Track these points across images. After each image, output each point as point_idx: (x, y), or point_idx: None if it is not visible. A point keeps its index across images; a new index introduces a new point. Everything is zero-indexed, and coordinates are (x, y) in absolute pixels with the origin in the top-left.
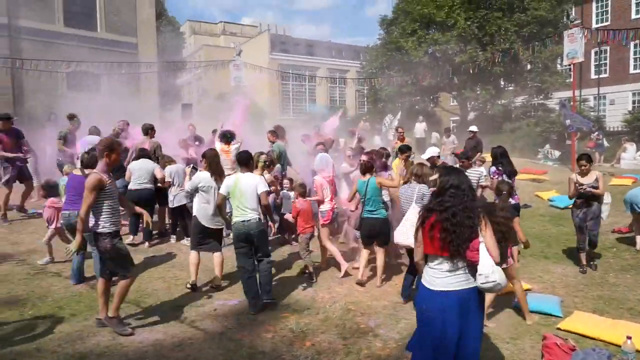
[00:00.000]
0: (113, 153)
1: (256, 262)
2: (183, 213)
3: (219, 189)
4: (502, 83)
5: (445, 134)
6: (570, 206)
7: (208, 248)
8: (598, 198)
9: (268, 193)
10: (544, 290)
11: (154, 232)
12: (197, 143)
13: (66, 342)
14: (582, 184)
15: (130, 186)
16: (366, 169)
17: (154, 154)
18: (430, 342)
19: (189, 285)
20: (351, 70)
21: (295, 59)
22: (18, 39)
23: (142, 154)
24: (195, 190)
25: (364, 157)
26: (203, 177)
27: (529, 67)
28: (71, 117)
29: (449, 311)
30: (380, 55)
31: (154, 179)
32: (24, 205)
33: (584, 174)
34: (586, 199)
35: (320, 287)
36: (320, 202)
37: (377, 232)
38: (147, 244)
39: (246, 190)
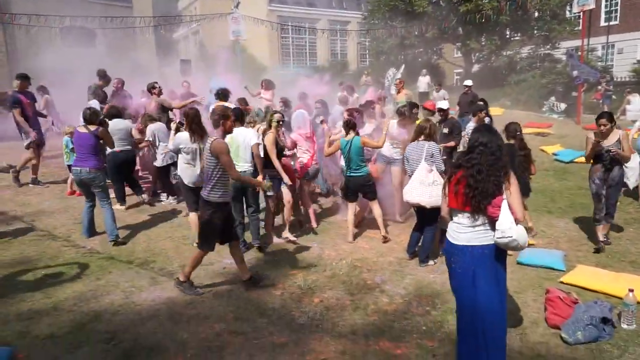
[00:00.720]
0: (228, 120)
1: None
2: (168, 173)
3: (202, 150)
4: (508, 33)
5: (436, 88)
6: (588, 166)
7: (198, 207)
8: (621, 161)
9: (258, 145)
10: (548, 245)
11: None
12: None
13: (81, 301)
14: (602, 147)
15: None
16: (349, 127)
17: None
18: (459, 295)
19: (195, 244)
20: (352, 22)
21: (294, 11)
22: None
23: (114, 112)
24: (178, 151)
25: (345, 114)
26: (183, 138)
27: (536, 14)
28: (102, 74)
29: (469, 265)
30: (383, 5)
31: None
32: (37, 176)
33: (604, 135)
34: (606, 163)
35: (327, 244)
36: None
37: (363, 189)
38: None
39: (240, 144)
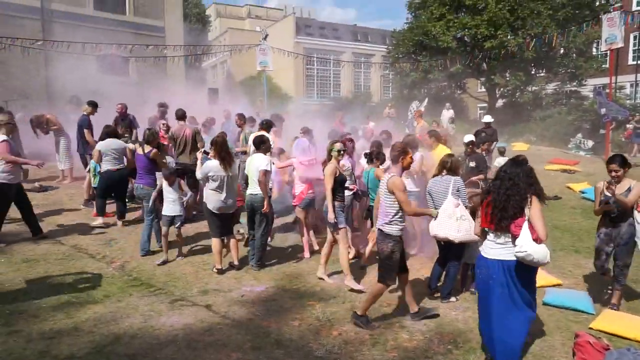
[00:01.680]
0: (407, 156)
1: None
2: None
3: (229, 176)
4: (533, 69)
5: (446, 105)
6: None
7: (222, 233)
8: (626, 214)
9: (265, 172)
10: (575, 286)
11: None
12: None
13: (101, 323)
14: (607, 195)
15: (107, 167)
16: (370, 159)
17: (193, 140)
18: (482, 302)
19: (215, 270)
20: (377, 55)
21: (320, 43)
22: (50, 22)
23: (108, 131)
24: (206, 178)
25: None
26: (212, 165)
27: (562, 51)
28: (92, 104)
29: (494, 277)
30: (407, 39)
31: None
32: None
33: (616, 181)
34: (610, 216)
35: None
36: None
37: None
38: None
39: (253, 169)
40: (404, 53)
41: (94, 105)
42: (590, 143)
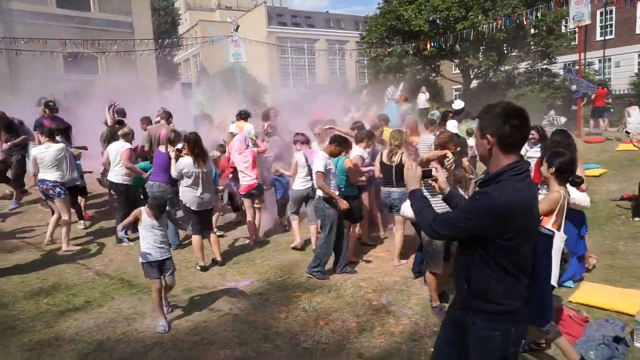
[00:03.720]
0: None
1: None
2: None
3: (203, 172)
4: (505, 49)
5: (422, 89)
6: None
7: (202, 230)
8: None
9: (318, 173)
10: None
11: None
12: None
13: (83, 330)
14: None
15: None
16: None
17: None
18: None
19: (198, 267)
20: (351, 41)
21: (293, 32)
22: (10, 22)
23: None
24: (181, 176)
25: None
26: (185, 162)
27: (532, 31)
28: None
29: None
30: (380, 24)
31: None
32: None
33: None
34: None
35: (331, 264)
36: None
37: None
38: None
39: (313, 167)
40: (377, 38)
41: (46, 105)
42: (563, 119)
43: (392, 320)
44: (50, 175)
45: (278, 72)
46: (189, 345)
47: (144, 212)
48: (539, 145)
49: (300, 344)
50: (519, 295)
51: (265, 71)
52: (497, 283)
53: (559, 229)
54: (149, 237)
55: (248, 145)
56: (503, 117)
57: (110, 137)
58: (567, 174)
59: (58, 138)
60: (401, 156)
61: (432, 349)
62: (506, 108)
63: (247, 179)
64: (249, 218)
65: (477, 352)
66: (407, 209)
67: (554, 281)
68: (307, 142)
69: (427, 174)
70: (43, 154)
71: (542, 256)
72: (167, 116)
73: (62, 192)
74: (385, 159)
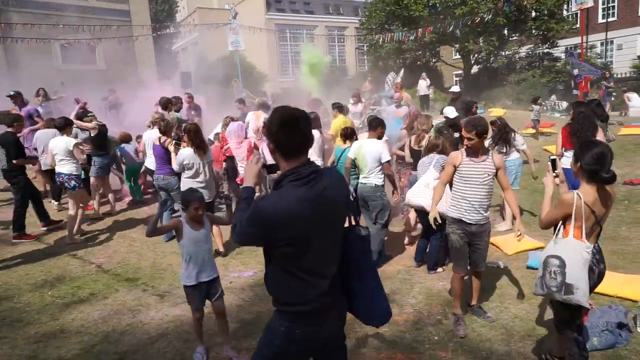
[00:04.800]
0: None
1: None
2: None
3: (204, 164)
4: (506, 33)
5: (422, 75)
6: None
7: None
8: None
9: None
10: None
11: None
12: (193, 113)
13: (88, 322)
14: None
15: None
16: (346, 136)
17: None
18: None
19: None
20: (350, 27)
21: (292, 18)
22: (6, 11)
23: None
24: (182, 168)
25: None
26: (186, 154)
27: (533, 14)
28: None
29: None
30: (379, 10)
31: None
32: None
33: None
34: None
35: None
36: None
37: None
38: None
39: (367, 156)
40: (376, 24)
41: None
42: (564, 104)
43: (395, 309)
44: (64, 168)
45: (277, 60)
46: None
47: (184, 222)
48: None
49: None
50: (310, 298)
51: (264, 59)
52: (287, 287)
53: (581, 236)
54: (191, 251)
55: (246, 135)
56: (277, 124)
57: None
58: (594, 168)
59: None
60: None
61: (436, 337)
62: (281, 115)
63: (243, 169)
64: None
65: (263, 335)
66: (412, 197)
67: (584, 300)
68: None
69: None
70: (53, 144)
71: (363, 255)
72: (166, 104)
73: (77, 184)
74: (413, 144)
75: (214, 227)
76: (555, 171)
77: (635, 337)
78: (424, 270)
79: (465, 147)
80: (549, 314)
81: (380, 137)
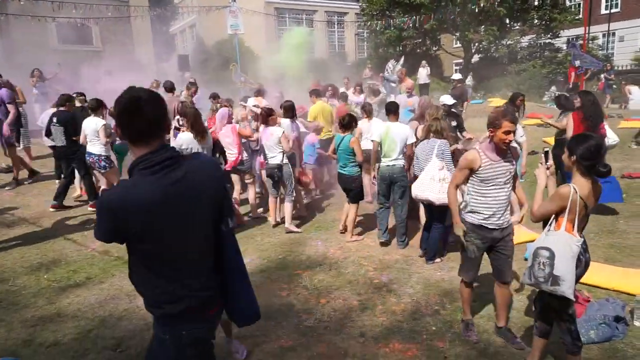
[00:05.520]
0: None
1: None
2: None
3: (203, 149)
4: (508, 22)
5: (422, 63)
6: None
7: None
8: None
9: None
10: None
11: None
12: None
13: (85, 307)
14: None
15: None
16: (343, 126)
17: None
18: None
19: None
20: (350, 13)
21: (292, 2)
22: None
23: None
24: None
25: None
26: (185, 138)
27: (536, 2)
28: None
29: None
30: None
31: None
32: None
33: None
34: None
35: (331, 242)
36: None
37: (345, 187)
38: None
39: (395, 138)
40: (377, 10)
41: None
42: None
43: (393, 298)
44: (94, 148)
45: (276, 45)
46: None
47: None
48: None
49: (303, 322)
50: (180, 297)
51: (263, 44)
52: (153, 287)
53: (573, 229)
54: None
55: (232, 121)
56: (119, 107)
57: None
58: (590, 162)
59: None
60: None
61: (433, 328)
62: (123, 97)
63: (230, 154)
64: (234, 194)
65: (153, 352)
66: (419, 192)
67: (569, 292)
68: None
69: None
70: (85, 124)
71: (233, 252)
72: (171, 88)
73: (107, 165)
74: (421, 135)
75: None
76: (548, 163)
77: (631, 330)
78: (423, 260)
79: (492, 143)
80: None
81: (397, 120)
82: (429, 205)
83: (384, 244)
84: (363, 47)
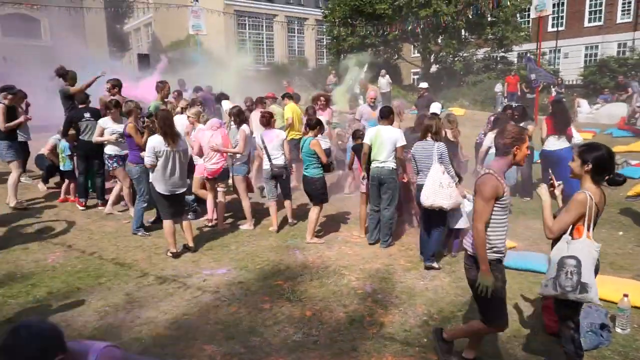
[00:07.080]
0: (524, 144)
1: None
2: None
3: (174, 152)
4: (465, 35)
5: (381, 73)
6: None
7: (174, 214)
8: None
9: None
10: (529, 247)
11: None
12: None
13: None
14: None
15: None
16: (309, 127)
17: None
18: None
19: (169, 254)
20: (310, 19)
21: (252, 5)
22: None
23: None
24: (155, 156)
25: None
26: (156, 141)
27: (489, 19)
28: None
29: None
30: (343, 4)
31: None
32: None
33: None
34: None
35: (309, 250)
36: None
37: (306, 189)
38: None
39: (385, 140)
40: (339, 18)
41: None
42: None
43: (380, 309)
44: (107, 148)
45: (235, 48)
46: (171, 340)
47: None
48: None
49: (290, 337)
50: None
51: (222, 46)
52: None
53: (590, 236)
54: None
55: (221, 125)
56: None
57: None
58: (604, 171)
59: None
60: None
61: (425, 340)
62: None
63: (213, 162)
64: (209, 200)
65: None
66: (430, 201)
67: (596, 298)
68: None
69: None
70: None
71: None
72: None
73: (116, 164)
74: None
75: (184, 223)
76: (558, 182)
77: (614, 337)
78: (403, 269)
79: (507, 163)
80: (532, 315)
81: (391, 124)
82: (426, 210)
83: (373, 244)
84: (323, 53)
